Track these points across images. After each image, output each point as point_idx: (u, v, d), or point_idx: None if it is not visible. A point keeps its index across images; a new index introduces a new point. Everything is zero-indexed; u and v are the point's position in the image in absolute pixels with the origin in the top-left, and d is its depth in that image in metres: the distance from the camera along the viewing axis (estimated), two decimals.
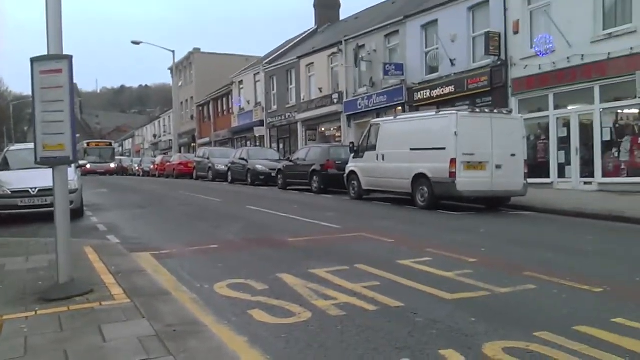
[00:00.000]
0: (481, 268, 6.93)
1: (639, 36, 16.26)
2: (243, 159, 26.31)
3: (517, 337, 4.36)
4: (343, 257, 7.63)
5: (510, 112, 15.48)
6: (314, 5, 42.70)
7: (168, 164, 37.78)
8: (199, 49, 58.30)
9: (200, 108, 55.97)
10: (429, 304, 5.35)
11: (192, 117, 57.98)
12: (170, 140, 57.79)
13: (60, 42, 5.54)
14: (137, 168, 47.98)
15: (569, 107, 18.83)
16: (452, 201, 14.55)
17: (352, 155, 17.57)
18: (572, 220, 12.28)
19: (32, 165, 6.01)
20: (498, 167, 13.62)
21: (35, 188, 11.73)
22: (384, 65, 25.78)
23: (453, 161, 13.34)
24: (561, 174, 18.88)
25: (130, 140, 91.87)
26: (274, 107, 39.09)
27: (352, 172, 17.27)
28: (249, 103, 43.05)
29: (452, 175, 13.33)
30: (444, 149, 13.59)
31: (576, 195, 16.19)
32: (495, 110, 14.44)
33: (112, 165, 47.22)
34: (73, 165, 11.73)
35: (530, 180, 14.75)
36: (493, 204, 14.40)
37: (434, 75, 24.21)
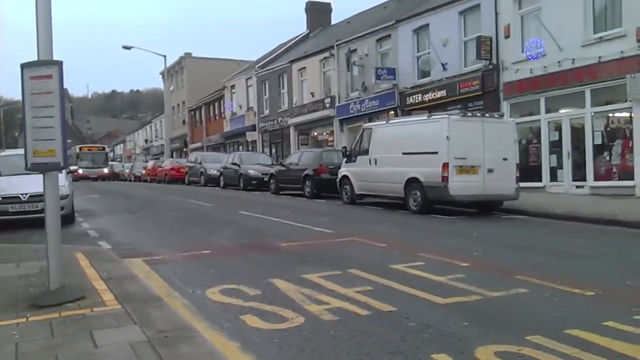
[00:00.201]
0: (473, 272, 6.94)
1: (629, 40, 16.37)
2: (235, 163, 26.28)
3: (509, 341, 4.37)
4: (336, 262, 7.62)
5: (501, 116, 15.55)
6: (306, 10, 42.81)
7: (160, 169, 37.65)
8: (191, 54, 58.27)
9: (192, 113, 55.90)
10: (421, 309, 5.35)
11: (183, 122, 57.89)
12: (162, 145, 57.67)
13: (50, 47, 5.52)
14: (128, 173, 47.68)
15: (561, 111, 18.92)
16: (445, 205, 14.58)
17: (345, 159, 17.57)
18: (564, 223, 12.32)
19: (23, 171, 5.97)
20: (490, 171, 13.65)
21: (26, 194, 11.66)
22: (376, 70, 25.85)
23: (445, 165, 13.36)
24: (553, 177, 18.96)
25: (122, 145, 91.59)
26: (266, 112, 39.09)
27: (345, 177, 17.28)
28: (241, 108, 43.03)
29: (445, 179, 13.36)
30: (436, 153, 13.61)
31: (568, 199, 16.25)
32: (487, 115, 14.49)
33: (105, 170, 46.64)
34: (64, 171, 11.68)
35: (522, 184, 14.80)
36: (485, 208, 14.44)
37: (426, 80, 24.28)
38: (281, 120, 36.64)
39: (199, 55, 58.21)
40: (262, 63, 41.77)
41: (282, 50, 42.28)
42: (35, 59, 5.56)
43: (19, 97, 5.67)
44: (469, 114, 14.50)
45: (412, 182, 14.31)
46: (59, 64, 5.48)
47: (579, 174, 18.15)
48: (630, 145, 16.71)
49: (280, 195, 21.63)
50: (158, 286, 6.35)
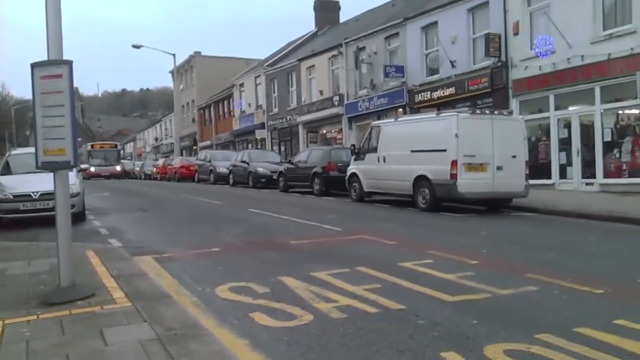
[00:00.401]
0: (482, 270, 6.93)
1: (638, 36, 16.26)
2: (244, 161, 26.33)
3: (518, 339, 4.36)
4: (344, 260, 7.63)
5: (511, 113, 15.48)
6: (314, 8, 42.78)
7: (169, 167, 37.78)
8: (200, 53, 58.37)
9: (202, 111, 56.02)
10: (430, 307, 5.34)
11: (193, 120, 58.02)
12: (172, 143, 57.78)
13: (60, 47, 5.56)
14: (138, 171, 47.64)
15: (570, 108, 18.82)
16: (454, 203, 14.54)
17: (353, 157, 17.57)
18: (574, 221, 12.27)
19: (34, 170, 6.02)
20: (499, 168, 13.61)
21: (37, 192, 11.75)
22: (385, 67, 25.79)
23: (454, 163, 13.33)
24: (562, 175, 18.87)
25: (132, 143, 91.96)
26: (275, 110, 39.12)
27: (354, 175, 17.28)
28: (250, 106, 43.09)
29: (453, 177, 13.33)
30: (444, 150, 13.58)
31: (578, 196, 16.18)
32: (495, 112, 14.43)
33: (118, 168, 45.30)
34: (74, 169, 11.77)
35: (531, 182, 14.75)
36: (494, 205, 14.39)
37: (435, 77, 24.22)
38: (290, 118, 36.67)
39: (208, 54, 58.32)
40: (271, 61, 41.80)
41: (290, 48, 42.28)
42: (45, 58, 5.60)
43: (29, 96, 5.72)
44: (478, 112, 14.45)
45: (420, 180, 14.29)
46: (69, 63, 5.52)
47: (588, 171, 18.06)
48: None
49: (289, 192, 21.65)
50: (168, 284, 6.38)
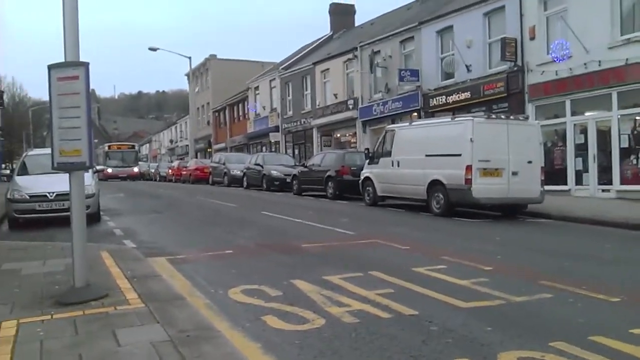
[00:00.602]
0: (497, 276, 6.88)
1: None
2: (258, 164, 26.39)
3: (533, 347, 4.32)
4: (357, 264, 7.61)
5: (526, 118, 15.39)
6: (330, 12, 42.81)
7: (184, 169, 37.97)
8: (215, 55, 58.63)
9: (217, 114, 56.24)
10: (443, 312, 5.31)
11: (208, 123, 58.26)
12: (187, 145, 58.08)
13: (77, 49, 5.61)
14: (153, 173, 47.79)
15: (587, 114, 18.65)
16: (468, 208, 14.46)
17: (367, 161, 17.54)
18: (590, 228, 12.15)
19: (50, 170, 6.06)
20: (514, 173, 13.52)
21: (53, 192, 11.83)
22: (400, 71, 25.75)
23: (469, 168, 13.27)
24: (578, 181, 18.70)
25: (148, 145, 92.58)
26: (290, 113, 39.18)
27: (367, 178, 17.25)
28: (264, 109, 43.19)
29: (468, 182, 13.26)
30: (459, 155, 13.52)
31: (594, 203, 16.03)
32: (511, 117, 14.36)
33: (135, 169, 44.73)
34: (90, 170, 11.85)
35: (547, 187, 14.63)
36: (509, 211, 14.29)
37: (450, 81, 24.12)
38: (304, 122, 36.71)
39: (224, 57, 58.57)
40: (285, 65, 41.89)
41: (305, 51, 42.35)
42: (62, 60, 5.65)
43: (46, 98, 5.76)
44: (494, 116, 14.40)
45: (434, 185, 14.23)
46: (85, 65, 5.56)
47: (605, 177, 17.87)
48: None
49: (303, 196, 21.66)
50: (181, 285, 6.40)
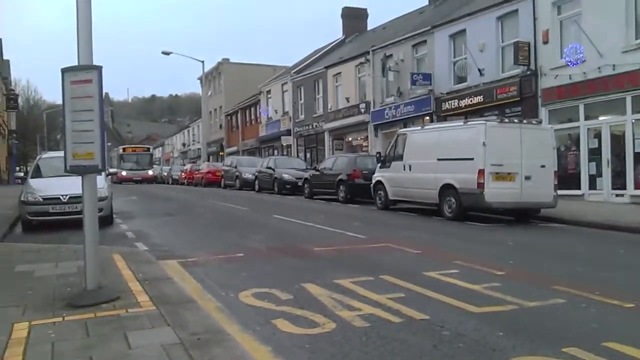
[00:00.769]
0: (509, 281, 6.83)
1: None
2: (270, 168, 26.44)
3: (545, 353, 4.28)
4: (368, 268, 7.58)
5: (540, 122, 15.27)
6: (342, 16, 42.85)
7: (197, 172, 38.13)
8: (228, 59, 58.83)
9: (229, 117, 56.43)
10: (455, 317, 5.27)
11: (220, 126, 58.46)
12: (199, 148, 58.33)
13: (90, 52, 5.64)
14: (166, 176, 47.91)
15: (600, 118, 18.52)
16: (480, 212, 14.39)
17: (379, 165, 17.51)
18: (603, 233, 12.05)
19: (64, 173, 6.10)
20: (527, 178, 13.43)
21: (66, 195, 11.90)
22: (412, 75, 25.71)
23: (481, 172, 13.20)
24: (592, 185, 18.56)
25: (160, 148, 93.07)
26: (301, 117, 39.23)
27: (379, 182, 17.21)
28: (276, 112, 43.27)
29: (480, 186, 13.19)
30: (472, 159, 13.46)
31: (608, 208, 15.89)
32: (524, 121, 14.25)
33: (150, 172, 44.44)
34: (103, 173, 11.90)
35: (560, 192, 14.50)
36: (522, 215, 14.20)
37: (462, 85, 24.05)
38: (316, 125, 36.73)
39: (236, 61, 58.78)
40: (297, 68, 41.97)
41: (317, 55, 42.42)
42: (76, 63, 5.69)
43: (61, 101, 5.79)
44: (506, 120, 14.29)
45: (446, 189, 14.17)
46: (99, 68, 5.59)
47: (618, 182, 17.73)
48: None
49: (314, 199, 21.66)
50: (192, 288, 6.41)
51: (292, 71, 42.07)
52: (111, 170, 21.41)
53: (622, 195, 17.48)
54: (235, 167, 30.90)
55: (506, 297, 5.93)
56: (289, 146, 40.66)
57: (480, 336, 4.70)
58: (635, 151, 17.17)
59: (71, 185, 11.03)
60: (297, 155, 37.65)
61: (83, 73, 5.59)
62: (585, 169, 18.73)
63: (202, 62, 44.81)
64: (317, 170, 22.35)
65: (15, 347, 4.24)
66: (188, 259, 8.42)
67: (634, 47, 17.00)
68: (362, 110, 31.14)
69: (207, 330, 4.56)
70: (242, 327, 4.98)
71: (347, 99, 32.97)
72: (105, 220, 12.34)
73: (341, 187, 20.08)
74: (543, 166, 13.65)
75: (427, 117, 25.51)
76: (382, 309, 5.49)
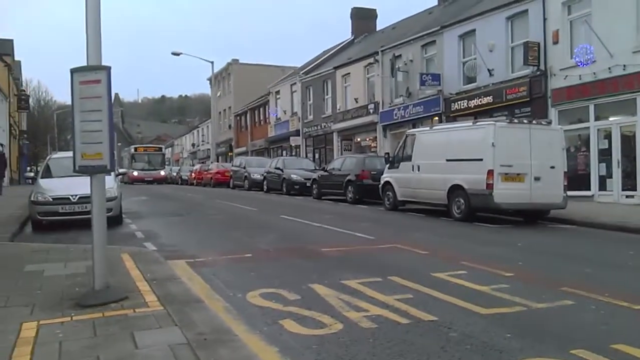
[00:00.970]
0: (518, 282, 6.80)
1: None
2: (278, 168, 26.46)
3: (553, 355, 4.25)
4: (376, 269, 7.57)
5: (549, 123, 15.19)
6: (351, 16, 42.83)
7: (206, 172, 38.21)
8: (237, 60, 58.97)
9: (238, 118, 56.54)
10: (463, 319, 5.25)
11: (229, 127, 58.59)
12: (208, 149, 58.50)
13: (99, 53, 5.66)
14: (175, 176, 47.91)
15: (611, 119, 18.41)
16: (489, 213, 14.34)
17: (388, 165, 17.48)
18: (613, 234, 11.97)
19: (73, 173, 6.12)
20: (537, 179, 13.37)
21: (76, 195, 11.95)
22: (421, 76, 25.66)
23: (490, 172, 13.15)
24: (602, 186, 18.45)
25: (170, 149, 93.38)
26: (310, 117, 39.24)
27: (387, 183, 17.18)
28: (285, 113, 43.32)
29: (489, 186, 13.14)
30: (481, 160, 13.41)
31: (618, 209, 15.79)
32: (534, 121, 14.18)
33: (162, 172, 43.84)
34: (112, 173, 11.95)
35: (570, 193, 14.42)
36: (531, 216, 14.14)
37: (472, 86, 23.97)
38: (325, 126, 36.74)
39: (246, 62, 58.90)
40: (306, 69, 41.99)
41: (326, 56, 42.42)
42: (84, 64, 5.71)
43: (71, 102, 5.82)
44: (516, 121, 14.23)
45: (455, 189, 14.13)
46: (107, 69, 5.61)
47: (629, 183, 17.62)
48: None
49: (323, 200, 21.66)
50: (200, 288, 6.42)
51: (301, 72, 42.09)
52: (121, 170, 21.44)
53: (632, 196, 17.36)
54: (244, 167, 30.93)
55: (514, 299, 5.90)
56: (297, 147, 40.68)
57: (487, 338, 4.68)
58: None
59: (81, 185, 11.05)
60: (306, 156, 37.65)
61: (92, 73, 5.61)
62: (595, 170, 18.62)
63: (212, 62, 44.92)
64: (326, 171, 22.36)
65: (24, 346, 4.26)
66: (196, 259, 8.44)
67: None
68: (371, 111, 31.11)
69: (214, 331, 4.56)
70: (249, 327, 4.98)
71: (356, 100, 32.95)
72: (115, 220, 12.39)
73: (349, 187, 20.07)
74: (553, 167, 13.58)
75: (436, 118, 25.45)
76: (390, 310, 5.48)
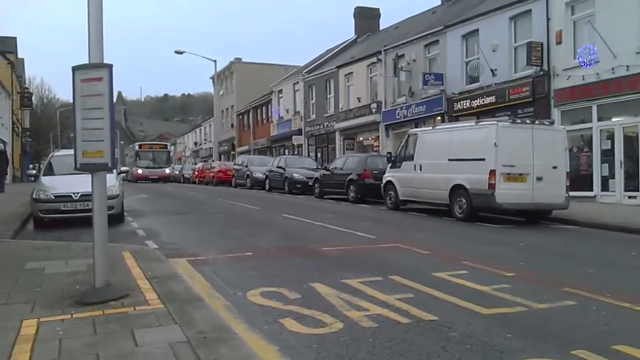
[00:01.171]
0: (519, 283, 6.78)
1: None
2: (281, 167, 26.46)
3: (554, 355, 4.24)
4: (377, 268, 7.56)
5: (552, 123, 15.15)
6: (354, 15, 42.79)
7: (208, 171, 38.21)
8: (240, 59, 58.97)
9: (240, 116, 56.55)
10: (463, 318, 5.24)
11: (232, 126, 58.60)
12: (211, 148, 58.44)
13: (101, 51, 5.65)
14: (177, 174, 47.75)
15: (613, 119, 18.38)
16: (491, 213, 14.32)
17: (390, 165, 17.46)
18: (615, 235, 11.94)
19: (75, 171, 6.12)
20: (539, 179, 13.34)
21: (78, 193, 11.95)
22: (424, 75, 25.62)
23: (492, 172, 13.13)
24: (604, 187, 18.41)
25: (173, 147, 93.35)
26: (313, 116, 39.23)
27: (389, 182, 17.16)
28: (287, 112, 43.32)
29: (492, 186, 13.12)
30: (483, 159, 13.39)
31: (620, 210, 15.76)
32: (536, 121, 14.15)
33: (167, 170, 42.75)
34: (114, 171, 11.96)
35: (572, 193, 14.40)
36: (533, 216, 14.12)
37: (475, 85, 23.94)
38: (327, 125, 36.72)
39: (248, 61, 58.90)
40: (309, 68, 41.97)
41: (329, 55, 42.40)
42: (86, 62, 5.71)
43: None
44: (518, 121, 14.19)
45: (457, 189, 14.11)
46: (109, 67, 5.60)
47: (631, 184, 17.58)
48: None
49: (324, 199, 21.64)
50: (200, 287, 6.42)
51: (304, 71, 42.08)
52: (123, 168, 21.42)
53: (634, 197, 17.32)
54: (246, 166, 30.95)
55: (515, 299, 5.89)
56: (300, 146, 40.67)
57: (488, 338, 4.67)
58: None
59: (83, 183, 11.01)
60: (308, 155, 37.65)
61: (94, 71, 5.61)
62: (598, 171, 18.58)
63: (215, 61, 44.90)
64: (328, 170, 22.35)
65: (24, 343, 4.26)
66: (197, 257, 8.44)
67: None
68: (374, 110, 31.08)
69: (214, 329, 4.55)
70: (250, 326, 4.98)
71: (359, 99, 32.93)
72: (116, 218, 12.40)
73: (351, 186, 20.06)
74: (555, 167, 13.56)
75: (439, 118, 25.42)
76: (390, 310, 5.47)
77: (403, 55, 28.53)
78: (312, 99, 39.71)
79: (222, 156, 55.73)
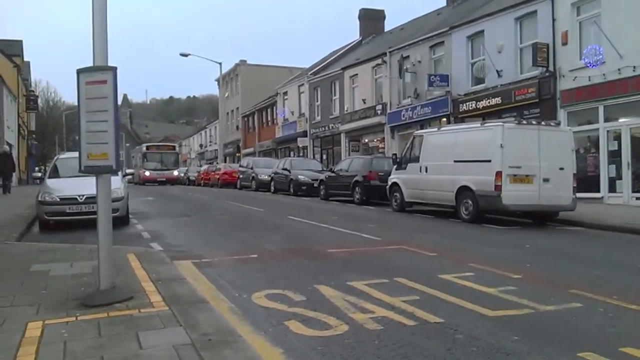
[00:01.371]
0: (525, 285, 6.74)
1: None
2: (286, 169, 26.45)
3: (560, 358, 4.22)
4: (382, 270, 7.53)
5: (558, 124, 15.11)
6: (359, 17, 42.82)
7: (213, 173, 38.22)
8: (245, 61, 59.07)
9: (246, 118, 56.61)
10: (469, 321, 5.20)
11: (237, 128, 58.67)
12: (216, 150, 58.54)
13: (105, 53, 5.65)
14: (183, 177, 47.62)
15: (620, 120, 18.29)
16: (497, 215, 14.27)
17: (395, 166, 17.43)
18: (623, 236, 11.87)
19: (80, 173, 6.12)
20: (546, 180, 13.29)
21: (83, 195, 11.97)
22: (429, 77, 25.60)
23: (499, 174, 13.08)
24: (612, 188, 18.33)
25: (179, 149, 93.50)
26: (318, 118, 39.23)
27: (395, 184, 17.13)
28: (293, 114, 43.32)
29: (498, 188, 13.07)
30: (489, 161, 13.34)
31: (627, 211, 15.67)
32: (543, 123, 14.11)
33: (175, 172, 41.94)
34: (119, 173, 11.96)
35: (579, 195, 14.34)
36: (540, 218, 14.06)
37: (480, 87, 23.88)
38: (332, 127, 36.71)
39: (254, 63, 58.99)
40: (314, 70, 41.99)
41: (334, 57, 42.40)
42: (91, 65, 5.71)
43: None
44: (524, 122, 14.15)
45: (463, 191, 14.06)
46: (114, 69, 5.60)
47: (639, 185, 17.47)
48: None
49: (330, 201, 21.62)
50: (205, 289, 6.41)
51: (309, 73, 42.11)
52: (128, 170, 21.40)
53: None
54: (252, 168, 30.94)
55: (522, 301, 5.85)
56: (305, 147, 40.68)
57: (494, 340, 4.63)
58: None
59: (88, 186, 11.04)
60: (313, 157, 37.64)
61: (98, 74, 5.61)
62: (605, 172, 18.50)
63: (220, 63, 44.94)
64: (333, 172, 22.33)
65: (29, 345, 4.26)
66: (202, 260, 8.43)
67: None
68: (379, 112, 31.06)
69: (219, 331, 4.54)
70: (254, 328, 4.96)
71: (364, 101, 32.92)
72: (121, 221, 12.41)
73: (357, 188, 20.03)
74: (562, 168, 13.50)
75: (444, 119, 25.37)
76: (396, 312, 5.44)
77: (408, 56, 28.50)
78: (317, 101, 39.71)
79: (228, 158, 55.78)
